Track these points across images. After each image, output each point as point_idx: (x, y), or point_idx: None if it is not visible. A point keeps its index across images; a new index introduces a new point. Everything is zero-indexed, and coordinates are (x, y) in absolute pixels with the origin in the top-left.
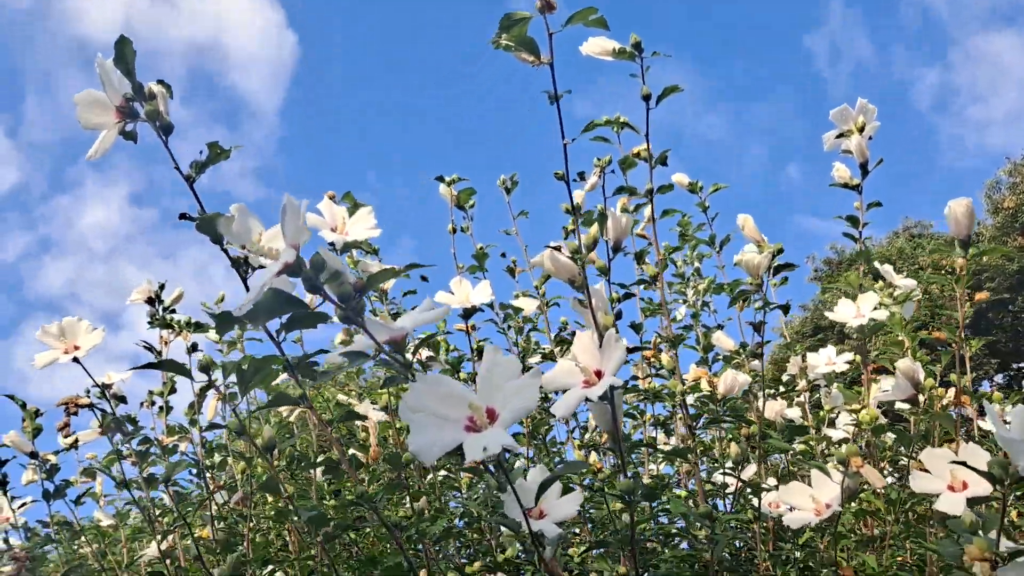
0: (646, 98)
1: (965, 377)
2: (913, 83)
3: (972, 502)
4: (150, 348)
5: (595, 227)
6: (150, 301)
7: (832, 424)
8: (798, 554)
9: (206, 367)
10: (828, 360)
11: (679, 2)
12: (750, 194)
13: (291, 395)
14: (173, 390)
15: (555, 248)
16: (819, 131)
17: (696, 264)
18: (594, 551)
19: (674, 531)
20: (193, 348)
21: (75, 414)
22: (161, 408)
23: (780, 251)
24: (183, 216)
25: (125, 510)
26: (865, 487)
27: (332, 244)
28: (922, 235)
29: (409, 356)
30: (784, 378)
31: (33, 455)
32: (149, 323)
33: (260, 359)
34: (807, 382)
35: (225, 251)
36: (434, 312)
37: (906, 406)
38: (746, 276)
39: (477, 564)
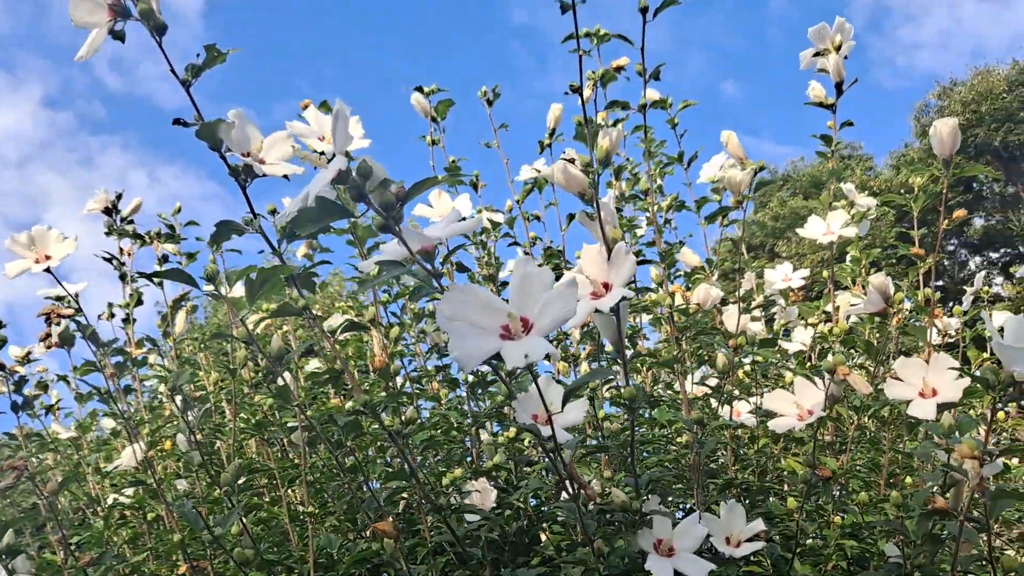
0: (643, 10)
1: (927, 291)
2: (849, 1)
3: (941, 407)
4: (111, 259)
5: (607, 141)
6: (107, 211)
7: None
8: (761, 459)
9: (212, 277)
10: (785, 276)
11: None
12: (687, 109)
13: (294, 306)
14: (140, 302)
15: (569, 161)
16: (756, 49)
17: (659, 181)
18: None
19: (654, 436)
20: (164, 259)
21: (57, 324)
22: (125, 319)
23: (762, 168)
24: (177, 121)
25: (87, 422)
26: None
27: (320, 153)
28: (851, 156)
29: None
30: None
31: (0, 367)
32: (107, 232)
33: (268, 269)
34: (764, 297)
35: (223, 158)
36: (467, 222)
37: (854, 319)
38: (710, 193)
39: (459, 471)
